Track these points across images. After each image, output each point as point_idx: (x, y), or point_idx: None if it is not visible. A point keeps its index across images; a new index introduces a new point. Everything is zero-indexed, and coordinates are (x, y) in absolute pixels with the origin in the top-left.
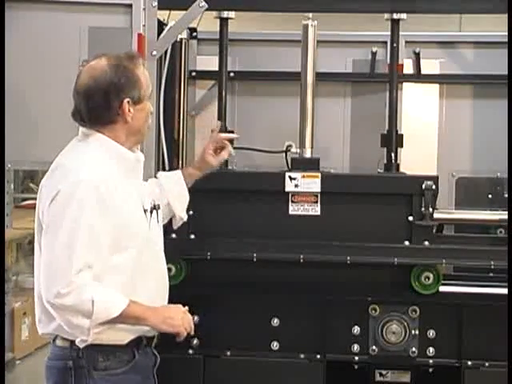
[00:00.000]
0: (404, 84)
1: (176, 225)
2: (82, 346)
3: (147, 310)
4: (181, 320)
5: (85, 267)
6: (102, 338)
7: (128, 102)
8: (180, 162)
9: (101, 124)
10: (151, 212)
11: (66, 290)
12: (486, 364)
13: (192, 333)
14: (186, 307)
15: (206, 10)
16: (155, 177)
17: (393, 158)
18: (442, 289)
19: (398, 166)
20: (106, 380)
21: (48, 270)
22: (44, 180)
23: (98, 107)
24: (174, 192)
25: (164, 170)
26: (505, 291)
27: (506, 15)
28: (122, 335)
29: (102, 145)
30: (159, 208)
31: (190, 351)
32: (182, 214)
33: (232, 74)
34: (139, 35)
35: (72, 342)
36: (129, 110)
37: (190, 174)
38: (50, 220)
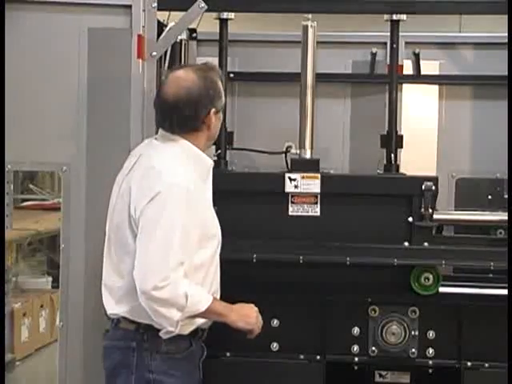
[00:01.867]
0: (404, 85)
1: None
2: (165, 337)
3: (227, 307)
4: (256, 319)
5: (179, 264)
6: (185, 323)
7: (214, 112)
8: None
9: (187, 131)
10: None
11: (162, 284)
12: (486, 365)
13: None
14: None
15: (206, 10)
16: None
17: (392, 158)
18: (442, 290)
19: (397, 166)
20: (166, 362)
21: (145, 263)
22: (132, 179)
23: (188, 117)
24: None
25: None
26: (504, 292)
27: (506, 16)
28: (187, 326)
29: (186, 151)
30: None
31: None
32: None
33: (232, 75)
34: (139, 36)
35: (138, 325)
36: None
37: None
38: (149, 218)
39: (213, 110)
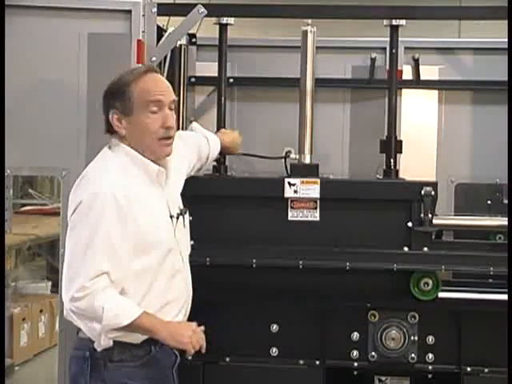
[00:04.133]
0: (403, 90)
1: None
2: (99, 349)
3: (158, 324)
4: (189, 338)
5: (100, 274)
6: (117, 335)
7: (114, 113)
8: None
9: (109, 133)
10: (177, 217)
11: (79, 295)
12: (486, 370)
13: (203, 350)
14: (202, 327)
15: (206, 16)
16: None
17: (392, 163)
18: (441, 295)
19: (397, 171)
20: (120, 371)
21: (65, 274)
22: (72, 189)
23: (103, 116)
24: (215, 155)
25: None
26: (504, 297)
27: (505, 21)
28: (136, 336)
29: (127, 154)
30: (186, 213)
31: (189, 357)
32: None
33: (231, 80)
34: (139, 41)
35: None
36: (119, 122)
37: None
38: (70, 228)
39: (112, 110)
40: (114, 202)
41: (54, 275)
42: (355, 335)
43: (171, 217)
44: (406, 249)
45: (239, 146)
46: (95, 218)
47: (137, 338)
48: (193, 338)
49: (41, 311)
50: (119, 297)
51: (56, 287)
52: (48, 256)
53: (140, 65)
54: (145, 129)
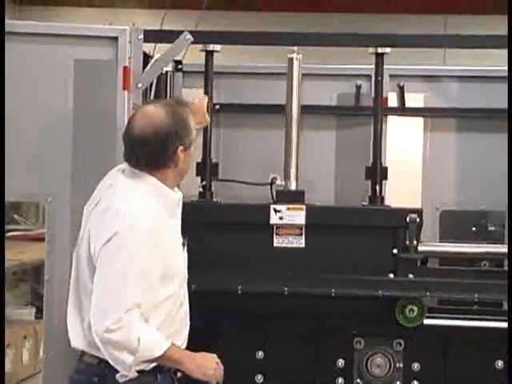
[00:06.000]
0: (388, 117)
1: None
2: (122, 380)
3: (184, 356)
4: (214, 370)
5: (134, 306)
6: (144, 367)
7: (181, 149)
8: None
9: (154, 168)
10: (184, 245)
11: (115, 326)
12: None
13: (221, 382)
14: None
15: (192, 43)
16: None
17: (377, 190)
18: (427, 321)
19: (382, 198)
20: None
21: (99, 305)
22: (94, 217)
23: (154, 153)
24: None
25: None
26: (489, 324)
27: (490, 50)
28: (147, 363)
29: (153, 187)
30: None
31: None
32: None
33: (217, 107)
34: (125, 68)
35: (100, 360)
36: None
37: None
38: (104, 259)
39: (180, 147)
40: (147, 236)
41: (38, 301)
42: (340, 362)
43: (183, 244)
44: (391, 275)
45: (206, 116)
46: (131, 250)
47: (148, 365)
48: (217, 370)
49: (25, 337)
50: (150, 328)
51: (40, 313)
52: (33, 282)
53: (169, 98)
54: (190, 158)
